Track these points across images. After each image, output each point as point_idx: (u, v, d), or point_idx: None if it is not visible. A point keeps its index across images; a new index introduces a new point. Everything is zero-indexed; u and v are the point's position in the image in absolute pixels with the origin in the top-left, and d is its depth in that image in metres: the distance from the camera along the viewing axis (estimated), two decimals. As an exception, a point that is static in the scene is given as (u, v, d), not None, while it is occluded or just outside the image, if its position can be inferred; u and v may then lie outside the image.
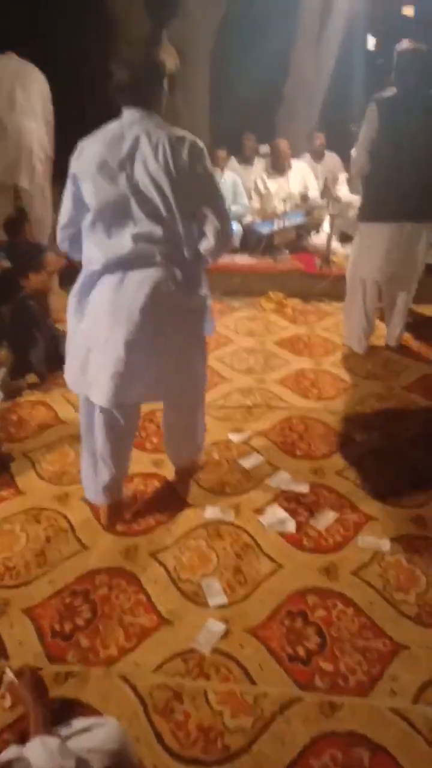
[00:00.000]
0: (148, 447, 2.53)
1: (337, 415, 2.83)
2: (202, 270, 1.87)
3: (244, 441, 2.59)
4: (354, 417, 2.81)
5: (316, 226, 5.09)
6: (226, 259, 4.75)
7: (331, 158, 5.53)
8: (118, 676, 1.51)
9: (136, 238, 1.68)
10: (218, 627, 1.65)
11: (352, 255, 3.41)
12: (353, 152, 3.21)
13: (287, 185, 4.94)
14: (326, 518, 2.11)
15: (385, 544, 1.98)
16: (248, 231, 4.83)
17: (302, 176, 5.00)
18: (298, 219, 4.78)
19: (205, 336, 2.01)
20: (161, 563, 1.89)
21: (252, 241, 4.78)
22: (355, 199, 3.69)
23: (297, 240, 4.89)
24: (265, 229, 4.70)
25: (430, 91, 2.98)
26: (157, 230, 1.69)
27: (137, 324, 1.69)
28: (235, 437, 2.62)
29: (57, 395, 2.96)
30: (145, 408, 2.77)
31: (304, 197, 4.90)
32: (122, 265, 1.71)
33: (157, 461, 2.42)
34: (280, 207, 4.77)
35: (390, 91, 2.98)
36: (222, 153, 4.92)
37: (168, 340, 1.79)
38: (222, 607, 1.73)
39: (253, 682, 1.50)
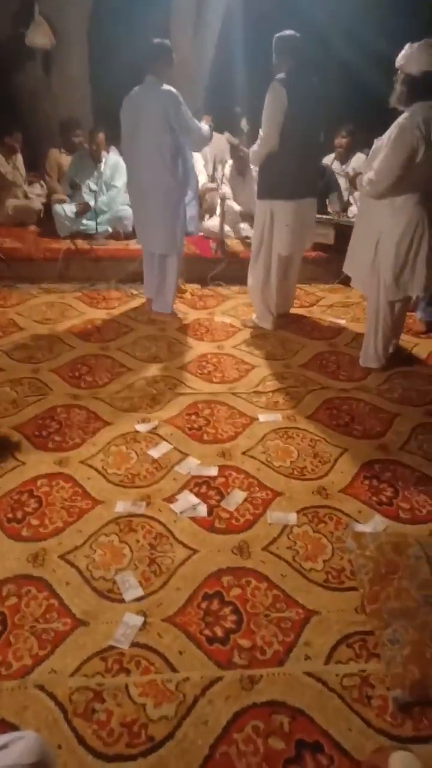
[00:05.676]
0: (51, 446, 2.44)
1: (240, 396, 2.89)
2: (179, 165, 3.36)
3: (151, 430, 2.58)
4: (256, 397, 2.89)
5: (210, 211, 5.10)
6: (119, 245, 4.66)
7: (218, 140, 5.53)
8: (34, 686, 1.46)
9: (145, 150, 3.28)
10: (135, 620, 1.64)
11: (260, 234, 3.46)
12: (261, 133, 3.20)
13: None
14: (236, 499, 2.16)
15: (292, 517, 2.07)
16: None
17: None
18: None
19: (179, 210, 3.54)
20: (72, 564, 1.84)
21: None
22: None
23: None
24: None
25: (313, 78, 3.12)
26: (155, 145, 3.24)
27: (149, 197, 3.41)
28: (141, 427, 2.59)
29: None
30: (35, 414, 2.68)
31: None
32: (142, 163, 3.34)
33: (62, 460, 2.34)
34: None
35: (282, 74, 3.07)
36: (101, 136, 4.78)
37: (163, 207, 3.43)
38: (138, 599, 1.72)
39: (174, 670, 1.51)
